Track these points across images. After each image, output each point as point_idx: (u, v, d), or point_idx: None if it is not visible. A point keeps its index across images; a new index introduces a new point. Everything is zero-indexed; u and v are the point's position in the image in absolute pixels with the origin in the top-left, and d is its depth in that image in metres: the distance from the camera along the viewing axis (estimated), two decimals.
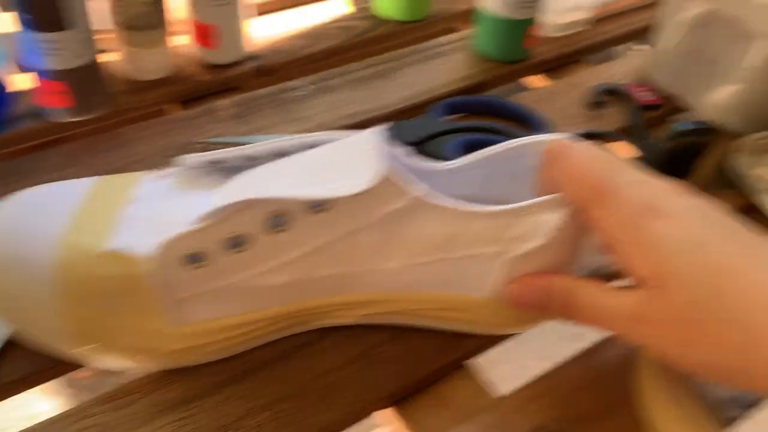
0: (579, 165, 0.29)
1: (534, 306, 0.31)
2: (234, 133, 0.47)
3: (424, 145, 0.45)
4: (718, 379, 0.26)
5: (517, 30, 0.53)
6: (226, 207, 0.28)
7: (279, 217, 0.29)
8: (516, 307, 0.32)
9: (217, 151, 0.33)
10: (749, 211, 0.44)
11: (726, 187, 0.46)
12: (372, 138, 0.29)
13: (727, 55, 0.48)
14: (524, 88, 0.57)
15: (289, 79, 0.53)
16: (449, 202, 0.30)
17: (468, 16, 0.63)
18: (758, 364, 0.24)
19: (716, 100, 0.50)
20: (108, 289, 0.29)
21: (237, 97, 0.50)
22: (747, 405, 0.33)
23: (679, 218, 0.26)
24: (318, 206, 0.29)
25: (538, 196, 0.30)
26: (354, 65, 0.54)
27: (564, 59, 0.58)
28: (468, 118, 0.50)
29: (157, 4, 0.48)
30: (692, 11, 0.49)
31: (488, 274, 0.32)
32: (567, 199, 0.29)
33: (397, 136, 0.44)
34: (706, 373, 0.26)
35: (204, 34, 0.51)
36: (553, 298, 0.30)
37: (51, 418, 0.30)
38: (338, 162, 0.28)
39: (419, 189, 0.29)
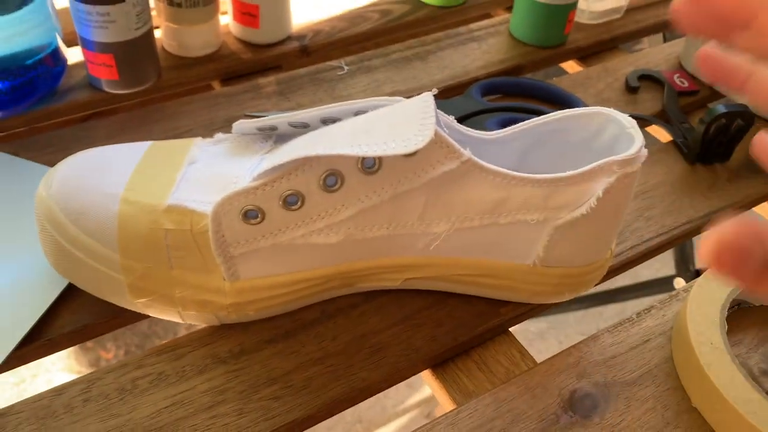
0: None
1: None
2: (277, 109, 0.48)
3: (462, 124, 0.45)
4: None
5: (557, 15, 0.54)
6: (285, 164, 0.29)
7: (333, 176, 0.30)
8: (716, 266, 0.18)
9: (266, 117, 0.34)
10: None
11: (764, 171, 0.46)
12: (423, 102, 0.30)
13: None
14: (559, 74, 0.58)
15: (330, 59, 0.54)
16: (497, 168, 0.31)
17: (503, 2, 0.63)
18: None
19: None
20: (167, 243, 0.31)
21: (279, 75, 0.51)
22: None
23: None
24: (370, 167, 0.30)
25: None
26: (393, 47, 0.55)
27: (600, 46, 0.59)
28: (506, 99, 0.51)
29: None
30: None
31: (533, 241, 0.32)
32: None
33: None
34: None
35: (247, 13, 0.52)
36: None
37: (108, 365, 0.31)
38: (390, 124, 0.29)
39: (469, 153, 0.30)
